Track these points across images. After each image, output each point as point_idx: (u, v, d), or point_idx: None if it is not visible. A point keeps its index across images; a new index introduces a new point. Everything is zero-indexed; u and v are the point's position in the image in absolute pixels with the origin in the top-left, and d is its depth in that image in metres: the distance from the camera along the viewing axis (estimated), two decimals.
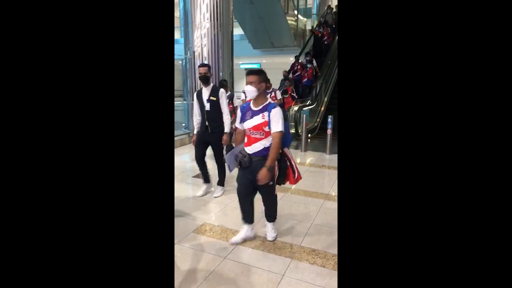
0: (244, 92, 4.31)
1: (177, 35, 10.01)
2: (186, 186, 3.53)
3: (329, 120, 5.04)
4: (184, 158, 4.80)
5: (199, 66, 3.03)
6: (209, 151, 3.18)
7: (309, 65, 7.52)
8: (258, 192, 2.26)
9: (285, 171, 2.16)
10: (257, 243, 2.28)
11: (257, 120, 2.05)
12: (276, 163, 2.10)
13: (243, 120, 2.14)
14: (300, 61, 8.06)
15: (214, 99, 2.93)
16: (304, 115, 5.49)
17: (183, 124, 6.25)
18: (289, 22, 10.03)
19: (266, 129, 2.04)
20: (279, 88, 6.71)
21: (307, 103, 6.86)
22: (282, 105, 5.65)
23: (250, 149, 2.10)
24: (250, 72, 2.08)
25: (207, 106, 2.95)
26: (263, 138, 2.06)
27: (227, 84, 4.70)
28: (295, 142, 6.04)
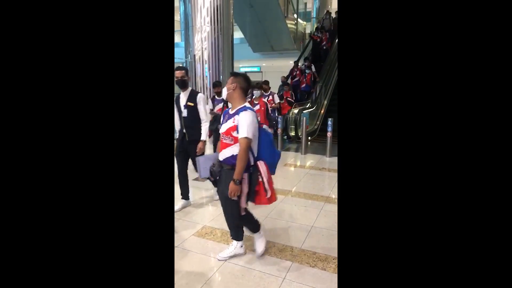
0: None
1: (178, 38, 10.06)
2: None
3: (329, 122, 5.05)
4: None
5: (175, 70, 2.76)
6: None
7: (307, 71, 7.53)
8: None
9: (255, 188, 1.87)
10: None
11: (229, 124, 1.88)
12: (246, 177, 1.87)
13: (221, 124, 2.00)
14: (299, 66, 8.09)
15: (192, 104, 2.72)
16: (304, 117, 5.50)
17: None
18: (289, 25, 10.08)
19: (235, 134, 1.83)
20: (278, 93, 6.69)
21: (307, 106, 6.88)
22: (279, 109, 5.61)
23: (221, 156, 1.93)
24: (230, 74, 2.03)
25: (184, 113, 2.73)
26: (232, 144, 1.86)
27: (220, 85, 4.54)
28: (295, 144, 6.04)
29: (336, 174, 4.07)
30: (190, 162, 2.93)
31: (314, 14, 12.47)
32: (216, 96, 4.59)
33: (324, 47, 8.83)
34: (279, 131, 5.52)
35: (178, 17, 6.36)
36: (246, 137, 1.78)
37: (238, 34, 9.68)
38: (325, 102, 7.38)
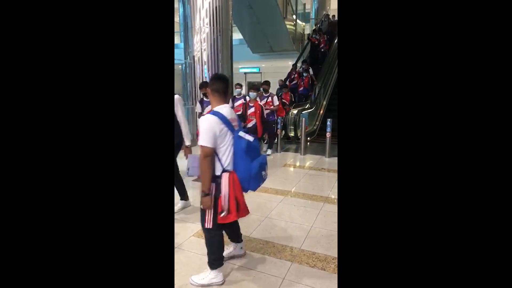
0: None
1: (177, 40, 10.06)
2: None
3: (328, 123, 5.05)
4: (183, 162, 4.79)
5: None
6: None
7: (305, 74, 7.52)
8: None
9: (216, 202, 1.63)
10: (258, 246, 2.28)
11: None
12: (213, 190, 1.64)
13: None
14: (297, 69, 8.08)
15: None
16: (303, 118, 5.50)
17: None
18: (288, 26, 10.09)
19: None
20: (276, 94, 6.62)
21: (306, 107, 6.89)
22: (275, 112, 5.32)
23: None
24: None
25: None
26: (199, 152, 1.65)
27: (207, 85, 4.43)
28: (294, 145, 6.05)
29: (335, 175, 4.08)
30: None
31: (312, 15, 12.50)
32: (204, 98, 4.36)
33: (322, 50, 8.84)
34: (279, 131, 5.50)
35: (177, 18, 6.37)
36: (201, 145, 1.59)
37: (237, 35, 9.69)
38: (324, 102, 7.39)
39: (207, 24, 5.47)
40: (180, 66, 6.07)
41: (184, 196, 3.01)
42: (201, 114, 4.30)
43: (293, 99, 6.76)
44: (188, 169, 2.08)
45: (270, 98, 5.10)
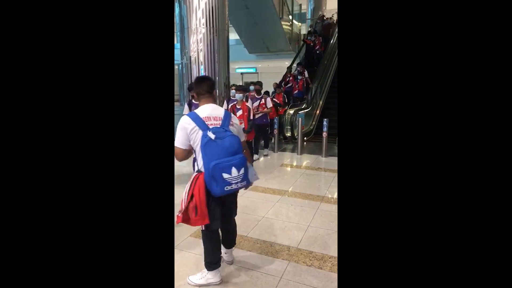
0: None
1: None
2: (182, 190, 3.51)
3: (325, 123, 5.08)
4: (181, 163, 4.77)
5: None
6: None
7: (299, 77, 7.51)
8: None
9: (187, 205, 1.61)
10: (255, 246, 2.29)
11: None
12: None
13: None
14: (292, 72, 8.06)
15: None
16: (300, 118, 5.52)
17: None
18: (284, 27, 10.12)
19: None
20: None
21: (303, 107, 6.91)
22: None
23: None
24: None
25: None
26: None
27: (192, 89, 4.06)
28: (291, 145, 6.07)
29: (332, 174, 4.11)
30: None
31: (309, 16, 12.55)
32: (193, 100, 4.03)
33: (318, 52, 8.86)
34: (275, 131, 5.51)
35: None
36: (175, 146, 1.59)
37: (233, 36, 9.69)
38: (321, 103, 7.42)
39: (203, 24, 5.47)
40: (176, 67, 6.05)
41: None
42: None
43: (286, 100, 6.73)
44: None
45: (263, 100, 4.92)
